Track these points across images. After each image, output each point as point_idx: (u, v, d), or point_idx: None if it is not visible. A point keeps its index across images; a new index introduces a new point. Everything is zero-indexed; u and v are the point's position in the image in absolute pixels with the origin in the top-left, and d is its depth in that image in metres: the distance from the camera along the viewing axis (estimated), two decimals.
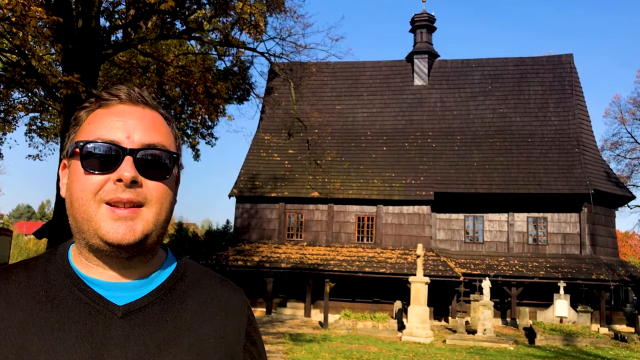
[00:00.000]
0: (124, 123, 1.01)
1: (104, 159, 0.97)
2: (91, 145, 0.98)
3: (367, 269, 22.92)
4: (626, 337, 19.40)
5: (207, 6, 16.94)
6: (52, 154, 24.92)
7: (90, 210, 0.97)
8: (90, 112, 1.05)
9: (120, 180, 0.96)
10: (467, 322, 20.16)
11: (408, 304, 19.29)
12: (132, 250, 0.98)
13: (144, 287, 1.04)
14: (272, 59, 17.53)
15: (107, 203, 0.97)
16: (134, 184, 0.97)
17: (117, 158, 0.97)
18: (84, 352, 0.93)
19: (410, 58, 29.98)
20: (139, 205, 0.98)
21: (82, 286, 1.00)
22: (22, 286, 0.99)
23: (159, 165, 1.01)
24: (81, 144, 0.99)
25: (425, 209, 25.18)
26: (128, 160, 0.97)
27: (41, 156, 23.81)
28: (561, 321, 21.07)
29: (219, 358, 1.05)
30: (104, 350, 0.94)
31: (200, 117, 24.52)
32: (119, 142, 0.98)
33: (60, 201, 12.13)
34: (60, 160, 1.08)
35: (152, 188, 1.00)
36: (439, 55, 30.07)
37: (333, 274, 22.78)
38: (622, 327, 22.92)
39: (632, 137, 35.47)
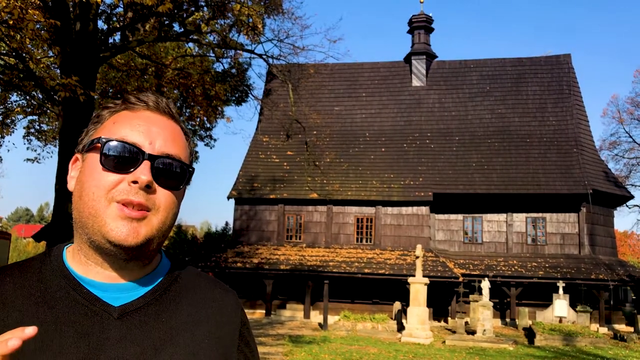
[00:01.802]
0: (148, 129, 1.03)
1: (123, 160, 0.99)
2: (113, 143, 1.00)
3: (366, 270, 22.92)
4: (625, 337, 19.41)
5: (205, 8, 16.95)
6: (51, 156, 24.96)
7: (99, 207, 0.98)
8: (114, 113, 1.07)
9: (135, 182, 0.98)
10: (466, 323, 20.16)
11: (407, 304, 19.29)
12: (132, 252, 0.99)
13: (140, 288, 1.05)
14: (270, 60, 17.55)
15: (117, 203, 0.98)
16: (147, 188, 0.99)
17: (136, 161, 0.99)
18: (80, 352, 0.94)
19: (408, 59, 30.02)
20: (147, 209, 0.99)
21: (78, 287, 1.00)
22: (17, 287, 0.99)
23: (174, 176, 1.03)
24: (104, 140, 1.01)
25: (424, 209, 25.19)
26: (146, 164, 0.99)
27: (39, 159, 23.78)
28: (560, 321, 21.08)
29: (214, 358, 1.06)
30: (101, 351, 0.95)
31: (198, 119, 24.51)
32: (140, 146, 1.00)
33: (59, 204, 12.11)
34: (68, 158, 1.09)
35: (163, 196, 1.02)
36: (437, 56, 30.11)
37: (332, 275, 22.78)
38: (622, 327, 22.94)
39: (630, 136, 35.57)
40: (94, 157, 1.01)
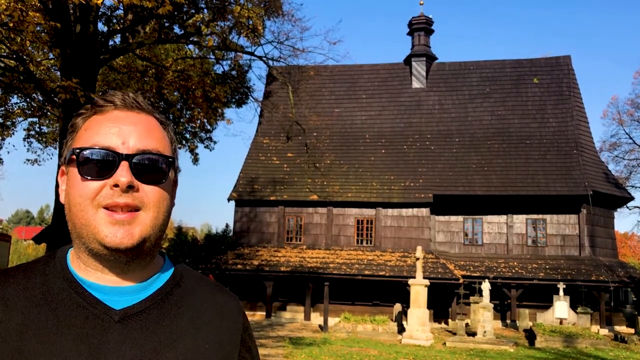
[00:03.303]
0: (119, 129, 1.02)
1: (100, 165, 0.99)
2: (87, 151, 1.00)
3: (366, 272, 22.91)
4: (626, 338, 19.40)
5: (205, 10, 16.95)
6: (51, 158, 24.95)
7: (88, 216, 0.98)
8: (86, 119, 1.06)
9: (116, 185, 0.98)
10: (467, 324, 20.15)
11: (408, 306, 19.28)
12: (130, 254, 1.00)
13: (141, 291, 1.05)
14: (270, 62, 17.57)
15: (105, 208, 0.98)
16: (130, 188, 0.98)
17: (113, 164, 0.99)
18: (81, 355, 0.94)
19: (408, 61, 30.04)
20: (136, 209, 0.99)
21: (80, 290, 1.01)
22: (20, 289, 1.00)
23: (155, 170, 1.02)
24: (77, 150, 1.01)
25: (424, 211, 25.19)
26: (124, 165, 0.99)
27: (40, 161, 23.81)
28: (561, 323, 21.06)
29: None
30: (101, 354, 0.95)
31: (199, 121, 24.53)
32: (114, 148, 1.00)
33: (59, 206, 12.12)
34: (59, 166, 1.09)
35: (149, 192, 1.01)
36: (436, 58, 30.13)
37: (332, 277, 22.77)
38: (622, 328, 22.91)
39: (630, 138, 35.53)
40: (74, 169, 1.01)
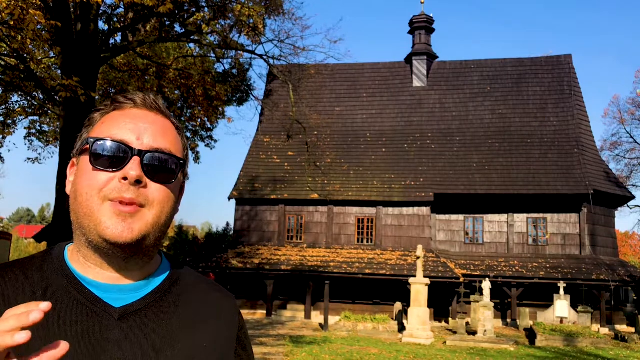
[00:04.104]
0: (136, 125, 1.03)
1: (112, 157, 1.00)
2: (101, 142, 1.01)
3: (367, 271, 22.91)
4: (627, 337, 19.39)
5: (206, 9, 16.95)
6: (52, 157, 24.97)
7: (93, 206, 0.98)
8: (104, 114, 1.07)
9: (125, 178, 0.98)
10: (467, 323, 20.15)
11: (408, 305, 19.28)
12: (129, 250, 0.99)
13: (141, 289, 1.05)
14: (271, 61, 17.56)
15: (111, 201, 0.98)
16: (138, 183, 0.99)
17: (125, 157, 1.00)
18: (81, 353, 0.94)
19: (409, 59, 30.02)
20: (140, 205, 1.00)
21: (80, 287, 1.01)
22: (19, 285, 0.99)
23: (165, 169, 1.03)
24: (92, 140, 1.02)
25: (425, 210, 25.19)
26: (135, 160, 0.99)
27: (40, 159, 23.84)
28: (561, 322, 21.06)
29: None
30: (101, 352, 0.95)
31: (199, 120, 24.56)
32: (128, 143, 1.01)
33: (60, 205, 12.12)
34: (69, 158, 1.10)
35: (156, 191, 1.02)
36: (437, 57, 30.11)
37: (333, 275, 22.78)
38: (623, 327, 22.92)
39: (632, 137, 35.51)
40: (85, 159, 1.02)
